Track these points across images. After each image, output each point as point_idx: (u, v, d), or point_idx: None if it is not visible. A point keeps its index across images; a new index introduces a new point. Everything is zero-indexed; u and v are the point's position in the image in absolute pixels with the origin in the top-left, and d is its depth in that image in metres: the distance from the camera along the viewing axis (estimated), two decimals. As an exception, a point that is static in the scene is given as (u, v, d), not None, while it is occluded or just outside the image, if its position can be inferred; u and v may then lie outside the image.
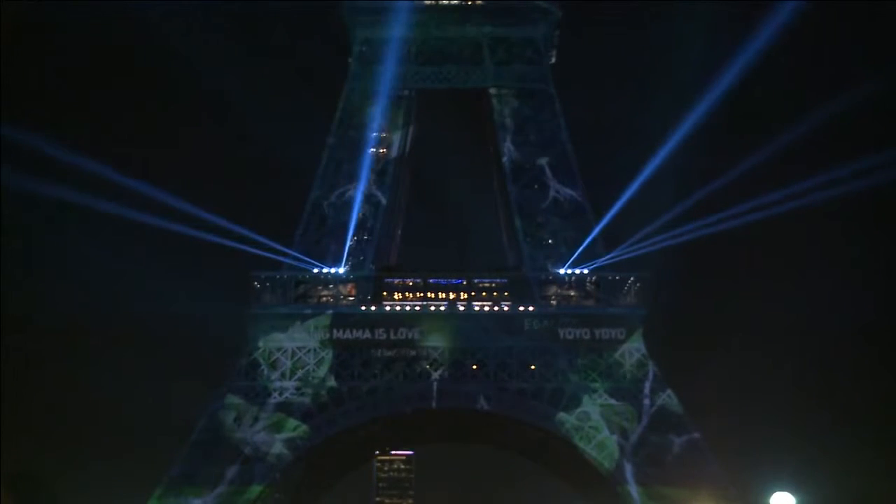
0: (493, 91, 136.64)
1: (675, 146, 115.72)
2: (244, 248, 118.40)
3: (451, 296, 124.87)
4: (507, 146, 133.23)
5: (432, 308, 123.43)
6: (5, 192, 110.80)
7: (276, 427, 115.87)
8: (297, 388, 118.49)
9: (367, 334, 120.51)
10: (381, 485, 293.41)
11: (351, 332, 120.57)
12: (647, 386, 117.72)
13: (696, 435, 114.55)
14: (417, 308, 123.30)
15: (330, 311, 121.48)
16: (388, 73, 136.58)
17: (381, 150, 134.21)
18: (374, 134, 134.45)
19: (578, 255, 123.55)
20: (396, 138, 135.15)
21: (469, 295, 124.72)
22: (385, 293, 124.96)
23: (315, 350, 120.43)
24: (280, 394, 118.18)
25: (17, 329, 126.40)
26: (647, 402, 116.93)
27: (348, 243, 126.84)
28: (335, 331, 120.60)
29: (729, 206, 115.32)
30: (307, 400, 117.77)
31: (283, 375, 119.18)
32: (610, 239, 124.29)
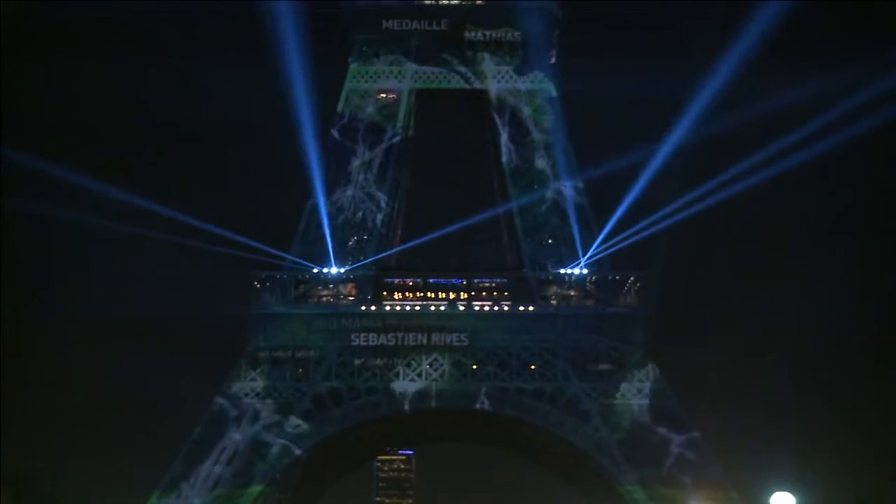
0: (492, 91, 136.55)
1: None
2: (245, 241, 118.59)
3: (451, 295, 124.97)
4: (507, 146, 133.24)
5: (432, 308, 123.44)
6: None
7: (276, 427, 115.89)
8: (297, 388, 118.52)
9: (368, 334, 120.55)
10: (381, 485, 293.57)
11: (351, 331, 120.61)
12: (647, 385, 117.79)
13: (696, 435, 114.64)
14: (417, 308, 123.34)
15: (330, 311, 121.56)
16: (387, 74, 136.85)
17: (381, 150, 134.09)
18: (374, 134, 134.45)
19: (584, 257, 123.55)
20: (396, 138, 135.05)
21: (469, 295, 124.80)
22: (385, 293, 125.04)
23: (315, 349, 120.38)
24: (280, 393, 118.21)
25: (17, 329, 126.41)
26: (646, 401, 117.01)
27: (349, 243, 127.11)
28: (335, 330, 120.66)
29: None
30: (307, 399, 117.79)
31: (283, 375, 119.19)
32: (610, 235, 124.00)
